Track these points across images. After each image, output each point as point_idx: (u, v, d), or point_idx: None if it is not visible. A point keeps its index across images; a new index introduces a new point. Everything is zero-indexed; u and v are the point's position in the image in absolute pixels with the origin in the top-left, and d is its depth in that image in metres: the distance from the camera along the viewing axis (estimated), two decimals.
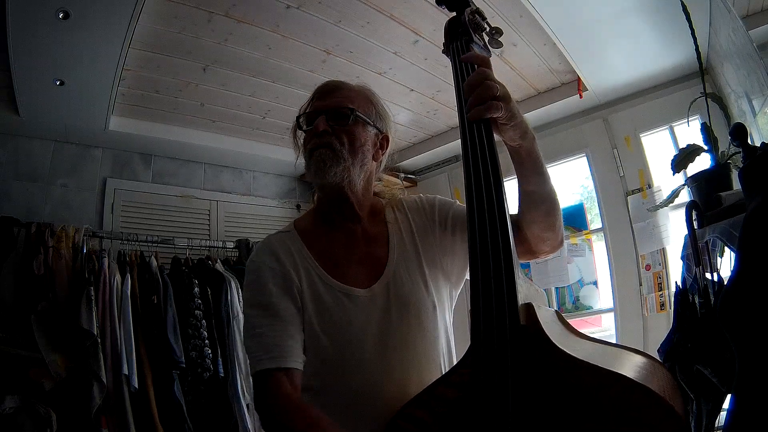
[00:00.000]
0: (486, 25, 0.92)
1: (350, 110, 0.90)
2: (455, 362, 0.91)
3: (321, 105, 0.92)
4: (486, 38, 0.91)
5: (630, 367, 0.60)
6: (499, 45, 0.92)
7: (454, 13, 0.94)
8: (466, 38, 0.87)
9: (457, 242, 0.93)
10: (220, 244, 2.92)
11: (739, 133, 0.98)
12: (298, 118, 0.95)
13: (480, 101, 0.71)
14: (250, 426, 2.37)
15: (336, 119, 0.90)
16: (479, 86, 0.72)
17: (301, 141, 0.95)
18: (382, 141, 0.97)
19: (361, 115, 0.91)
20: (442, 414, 0.65)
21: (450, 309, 0.95)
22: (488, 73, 0.73)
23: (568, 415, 0.55)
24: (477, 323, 0.61)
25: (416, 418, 0.68)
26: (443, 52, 0.92)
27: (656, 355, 1.18)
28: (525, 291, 0.63)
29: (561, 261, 2.90)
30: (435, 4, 1.00)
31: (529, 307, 0.61)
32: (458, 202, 1.00)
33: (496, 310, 0.59)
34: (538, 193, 0.83)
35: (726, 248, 1.18)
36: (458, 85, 0.80)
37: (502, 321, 0.59)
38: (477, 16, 0.91)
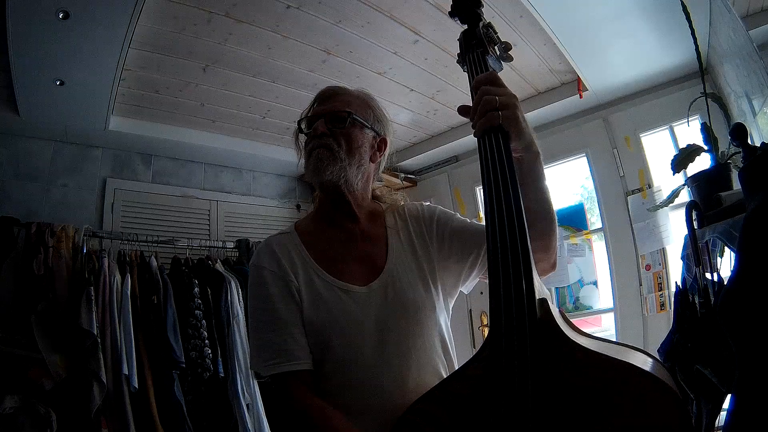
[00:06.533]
0: (497, 39, 0.96)
1: (348, 113, 0.94)
2: (454, 361, 0.92)
3: (320, 109, 0.96)
4: (498, 51, 0.95)
5: (636, 360, 0.61)
6: (510, 59, 0.96)
7: (459, 22, 0.99)
8: (481, 50, 0.91)
9: (451, 258, 0.95)
10: (220, 244, 2.92)
11: (739, 133, 0.99)
12: (299, 122, 0.99)
13: (481, 115, 0.75)
14: (250, 426, 2.37)
15: (334, 122, 0.93)
16: (479, 103, 0.76)
17: (303, 144, 0.99)
18: (380, 144, 1.00)
19: (359, 118, 0.95)
20: (456, 408, 0.66)
21: (447, 311, 0.97)
22: (489, 89, 0.77)
23: (580, 403, 0.57)
24: (497, 315, 0.62)
25: (429, 413, 0.68)
26: (458, 62, 0.96)
27: (656, 355, 1.18)
28: (538, 287, 0.65)
29: (561, 261, 2.89)
30: (436, 5, 1.04)
31: (543, 302, 0.63)
32: (459, 215, 1.01)
33: (515, 302, 0.61)
34: (533, 211, 0.80)
35: (726, 248, 1.18)
36: (474, 92, 0.83)
37: (521, 313, 0.60)
38: (490, 29, 0.96)
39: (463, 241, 0.95)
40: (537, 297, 0.62)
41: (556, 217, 0.87)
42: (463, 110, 0.82)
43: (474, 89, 0.80)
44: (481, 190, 0.75)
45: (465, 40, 0.96)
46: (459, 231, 0.97)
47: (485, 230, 0.70)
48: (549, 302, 0.64)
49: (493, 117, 0.74)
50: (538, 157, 0.81)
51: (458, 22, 0.99)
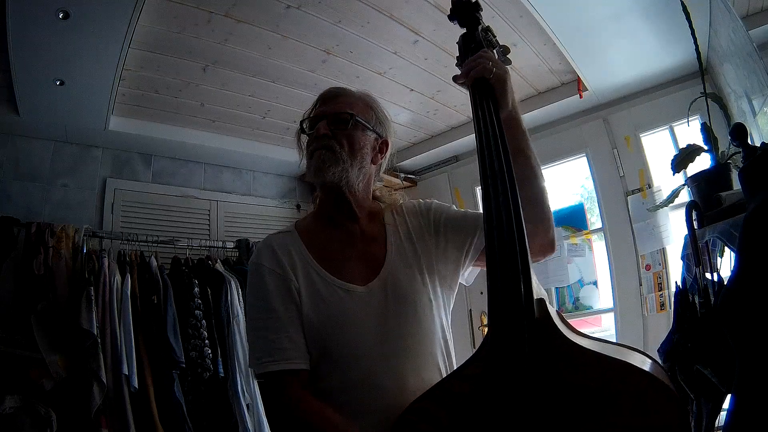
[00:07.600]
0: (496, 42, 0.98)
1: (350, 115, 0.94)
2: (453, 360, 0.92)
3: (323, 110, 0.96)
4: (497, 54, 0.96)
5: (634, 360, 0.62)
6: (508, 62, 0.98)
7: (459, 25, 1.01)
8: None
9: (449, 247, 0.96)
10: (220, 244, 2.92)
11: (739, 133, 0.99)
12: (301, 122, 0.99)
13: (474, 66, 0.87)
14: (250, 426, 2.37)
15: (336, 124, 0.94)
16: (476, 58, 0.88)
17: (305, 145, 0.99)
18: (381, 145, 1.01)
19: (361, 120, 0.95)
20: (456, 407, 0.66)
21: (447, 309, 0.97)
22: (489, 54, 0.89)
23: (579, 402, 0.57)
24: (495, 315, 0.63)
25: (428, 413, 0.68)
26: (457, 65, 0.97)
27: (656, 356, 1.18)
28: (536, 287, 0.65)
29: (561, 261, 2.90)
30: (436, 5, 1.06)
31: (541, 302, 0.63)
32: (454, 207, 1.03)
33: (513, 303, 0.62)
34: (522, 177, 0.82)
35: (726, 248, 1.18)
36: (473, 94, 0.87)
37: (519, 313, 0.61)
38: (489, 33, 0.97)
39: (460, 227, 0.96)
40: (535, 297, 0.62)
41: (545, 183, 0.91)
42: (456, 76, 0.92)
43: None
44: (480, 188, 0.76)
45: (464, 43, 0.97)
46: (454, 218, 0.99)
47: (483, 217, 0.72)
48: (547, 303, 0.64)
49: (486, 68, 0.84)
50: (522, 125, 0.88)
51: (457, 25, 1.00)
